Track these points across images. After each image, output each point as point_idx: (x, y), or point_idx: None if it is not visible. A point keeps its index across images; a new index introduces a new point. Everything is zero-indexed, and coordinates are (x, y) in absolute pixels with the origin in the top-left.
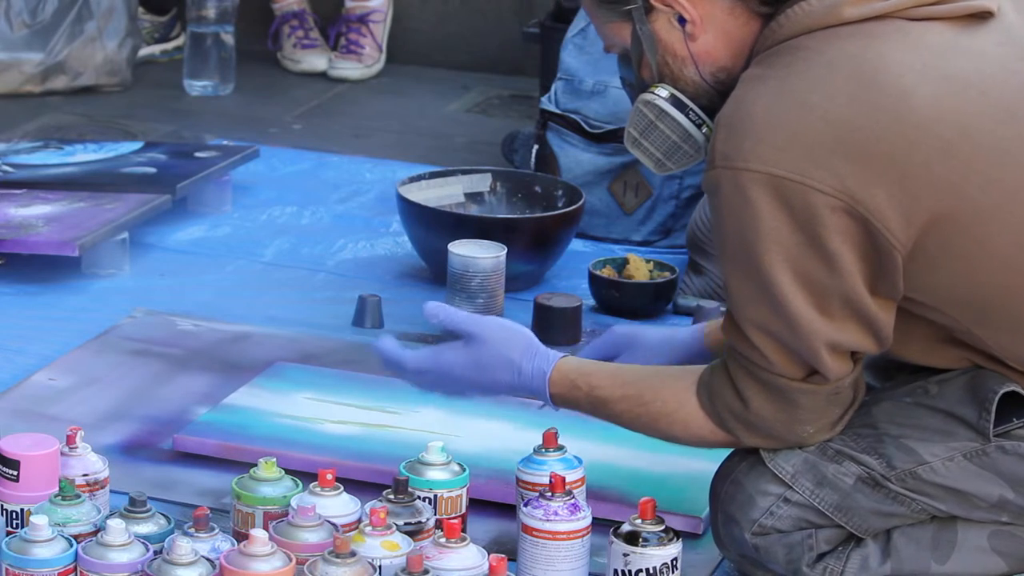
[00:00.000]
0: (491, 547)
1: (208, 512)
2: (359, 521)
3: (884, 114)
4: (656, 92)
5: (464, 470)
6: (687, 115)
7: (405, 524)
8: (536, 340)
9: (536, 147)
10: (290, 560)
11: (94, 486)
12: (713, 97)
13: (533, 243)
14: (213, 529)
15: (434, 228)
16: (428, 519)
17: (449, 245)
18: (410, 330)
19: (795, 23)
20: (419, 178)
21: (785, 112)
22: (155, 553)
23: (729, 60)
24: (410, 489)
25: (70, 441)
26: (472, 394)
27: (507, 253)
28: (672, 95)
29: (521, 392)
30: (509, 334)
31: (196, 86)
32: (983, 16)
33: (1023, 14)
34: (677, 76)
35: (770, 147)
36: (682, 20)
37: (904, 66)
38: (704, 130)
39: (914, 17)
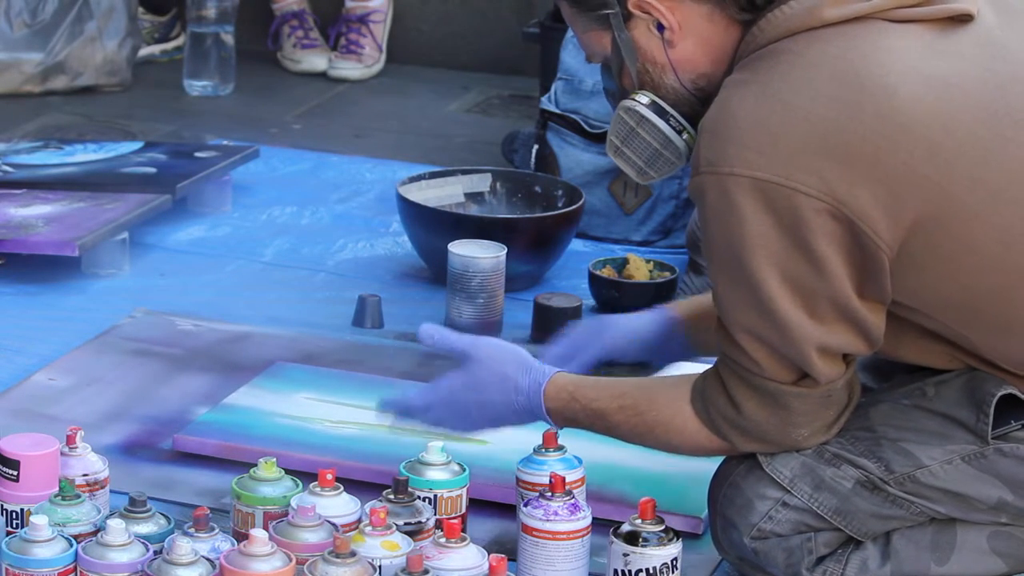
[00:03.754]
0: (491, 547)
1: (208, 512)
2: (359, 521)
3: (867, 115)
4: (637, 99)
5: (464, 470)
6: (667, 121)
7: (405, 524)
8: (530, 357)
9: (536, 147)
10: (290, 560)
11: (94, 486)
12: (694, 104)
13: (533, 243)
14: (213, 529)
15: (434, 228)
16: (428, 519)
17: (449, 245)
18: (409, 330)
19: (776, 27)
20: (419, 178)
21: (768, 115)
22: (155, 553)
23: (709, 67)
24: (410, 489)
25: (70, 441)
26: (477, 422)
27: (507, 253)
28: (653, 102)
29: (519, 409)
30: (501, 352)
31: (196, 86)
32: (963, 19)
33: (1002, 16)
34: (657, 84)
35: (754, 151)
36: (661, 27)
37: (886, 67)
38: (685, 136)
39: (894, 19)
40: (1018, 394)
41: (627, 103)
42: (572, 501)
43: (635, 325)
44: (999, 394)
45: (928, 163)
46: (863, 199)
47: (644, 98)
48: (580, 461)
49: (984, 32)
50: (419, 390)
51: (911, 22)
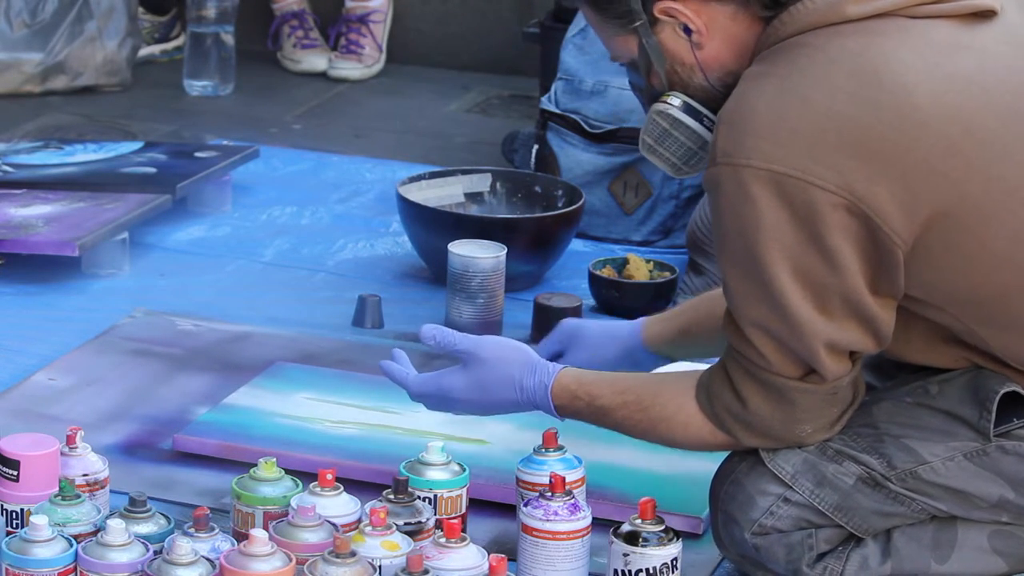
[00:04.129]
0: (491, 547)
1: (208, 512)
2: (359, 521)
3: (886, 111)
4: (669, 101)
5: (464, 470)
6: (701, 122)
7: (405, 524)
8: (534, 354)
9: (536, 147)
10: (290, 560)
11: (94, 486)
12: (722, 101)
13: (533, 243)
14: (213, 529)
15: (434, 228)
16: (428, 519)
17: (449, 245)
18: (409, 330)
19: (797, 21)
20: (419, 178)
21: (787, 109)
22: (155, 553)
23: (735, 64)
24: (410, 489)
25: (70, 441)
26: (473, 415)
27: (507, 253)
28: (685, 103)
29: (524, 408)
30: (507, 352)
31: (196, 86)
32: (985, 15)
33: None
34: (687, 83)
35: (772, 144)
36: (687, 30)
37: (906, 64)
38: None
39: (916, 15)
40: (1021, 392)
41: (660, 106)
42: (572, 501)
43: (611, 337)
44: (1002, 391)
45: (946, 161)
46: (880, 195)
47: (676, 100)
48: (580, 461)
49: (1007, 29)
50: (420, 377)
51: (933, 18)
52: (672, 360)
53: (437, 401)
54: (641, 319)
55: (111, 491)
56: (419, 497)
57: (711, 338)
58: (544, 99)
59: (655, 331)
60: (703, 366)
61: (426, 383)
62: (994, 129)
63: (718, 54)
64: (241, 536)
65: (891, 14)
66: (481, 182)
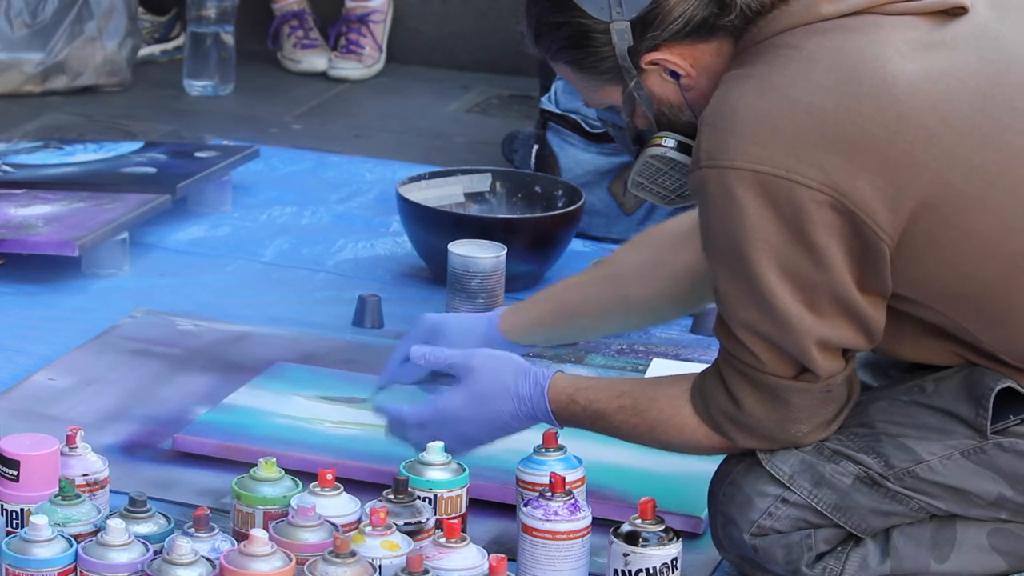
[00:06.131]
0: (491, 547)
1: (208, 512)
2: (359, 521)
3: (866, 105)
4: (663, 143)
5: (464, 470)
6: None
7: (405, 524)
8: (525, 363)
9: (536, 147)
10: (290, 560)
11: (94, 486)
12: None
13: (533, 243)
14: (213, 529)
15: (434, 228)
16: (428, 519)
17: (449, 245)
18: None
19: (774, 25)
20: (419, 178)
21: (768, 108)
22: (155, 553)
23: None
24: (410, 489)
25: (70, 441)
26: (476, 438)
27: (507, 253)
28: (679, 143)
29: (523, 417)
30: (499, 362)
31: (196, 86)
32: (956, 11)
33: (996, 10)
34: (674, 120)
35: (754, 144)
36: (674, 73)
37: (882, 58)
38: None
39: (889, 12)
40: (1017, 388)
41: (655, 150)
42: (572, 501)
43: (470, 331)
44: (998, 388)
45: (927, 152)
46: (864, 190)
47: (670, 141)
48: (580, 461)
49: (978, 24)
50: (414, 408)
51: (906, 15)
52: (534, 347)
53: (438, 425)
54: (498, 309)
55: (111, 491)
56: (419, 497)
57: (567, 327)
58: (544, 99)
59: (511, 321)
60: (700, 367)
61: (422, 411)
62: (971, 119)
63: (705, 89)
64: (241, 536)
65: (865, 11)
66: (481, 182)
